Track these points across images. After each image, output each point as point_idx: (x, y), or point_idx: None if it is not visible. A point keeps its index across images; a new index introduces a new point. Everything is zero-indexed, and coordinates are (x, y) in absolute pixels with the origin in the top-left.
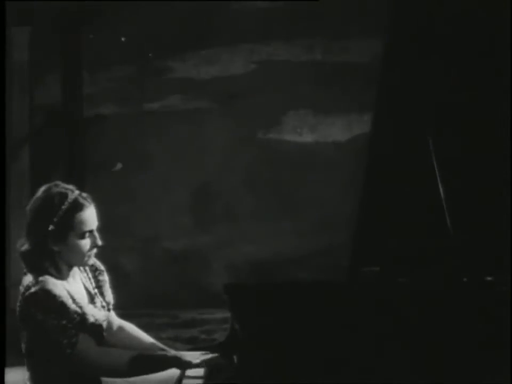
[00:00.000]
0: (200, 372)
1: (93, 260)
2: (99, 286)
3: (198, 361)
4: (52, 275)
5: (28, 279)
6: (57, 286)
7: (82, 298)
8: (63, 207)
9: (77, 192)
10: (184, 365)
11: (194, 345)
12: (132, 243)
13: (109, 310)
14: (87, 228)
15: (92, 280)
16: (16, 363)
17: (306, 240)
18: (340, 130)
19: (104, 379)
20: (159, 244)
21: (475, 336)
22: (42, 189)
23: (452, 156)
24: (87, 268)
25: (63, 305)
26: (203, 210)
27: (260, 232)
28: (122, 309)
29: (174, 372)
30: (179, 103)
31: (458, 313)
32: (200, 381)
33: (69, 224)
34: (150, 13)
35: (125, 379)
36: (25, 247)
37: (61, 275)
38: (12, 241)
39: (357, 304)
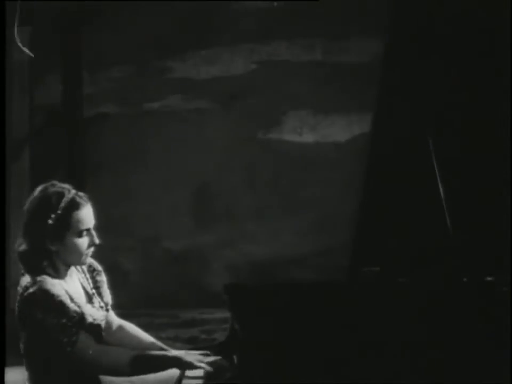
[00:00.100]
0: (200, 372)
1: (90, 260)
2: (97, 287)
3: (200, 364)
4: (49, 275)
5: (26, 279)
6: (56, 286)
7: (80, 298)
8: (60, 206)
9: (73, 191)
10: (184, 366)
11: (194, 345)
12: (132, 243)
13: (107, 310)
14: (84, 227)
15: (90, 281)
16: (16, 363)
17: (306, 240)
18: (340, 130)
19: (103, 378)
20: (159, 243)
21: (475, 336)
22: (39, 189)
23: (452, 155)
24: (84, 269)
25: (62, 304)
26: (203, 210)
27: (260, 232)
28: (122, 309)
29: (174, 372)
30: (179, 103)
31: (458, 313)
32: (200, 381)
33: (67, 223)
34: (150, 13)
35: (124, 378)
36: (23, 247)
37: (59, 275)
38: (12, 241)
39: (357, 304)
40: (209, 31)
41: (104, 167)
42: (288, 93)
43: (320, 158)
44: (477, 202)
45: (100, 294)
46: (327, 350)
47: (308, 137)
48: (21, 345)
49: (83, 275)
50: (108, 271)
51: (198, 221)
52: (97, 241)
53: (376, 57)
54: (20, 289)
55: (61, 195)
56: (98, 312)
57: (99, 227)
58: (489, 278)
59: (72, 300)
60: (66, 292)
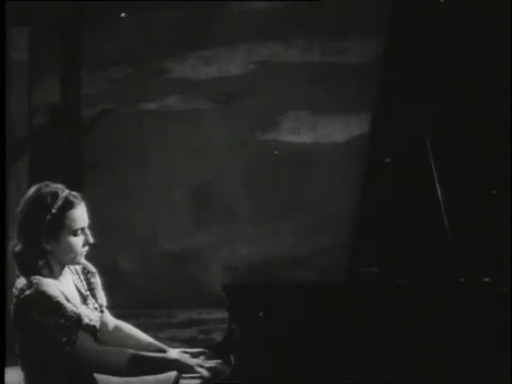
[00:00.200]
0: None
1: (84, 262)
2: (91, 288)
3: (200, 369)
4: (44, 275)
5: (21, 281)
6: (51, 287)
7: (75, 299)
8: (55, 206)
9: (67, 191)
10: (184, 369)
11: (192, 345)
12: (131, 243)
13: (101, 311)
14: (79, 226)
15: (84, 282)
16: (16, 363)
17: (305, 240)
18: (338, 130)
19: (99, 379)
20: (157, 244)
21: (475, 336)
22: (32, 189)
23: (452, 156)
24: (79, 270)
25: (59, 304)
26: (202, 211)
27: (259, 232)
28: (120, 309)
29: (171, 372)
30: (178, 103)
31: (457, 313)
32: (197, 381)
33: (61, 222)
34: (150, 13)
35: (122, 378)
36: (18, 247)
37: (53, 275)
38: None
39: (356, 304)
40: (208, 32)
41: (102, 167)
42: (287, 93)
43: (318, 158)
44: (476, 202)
45: (94, 296)
46: (326, 350)
47: (307, 138)
48: (16, 347)
49: (77, 276)
50: (106, 271)
51: (196, 221)
52: (91, 240)
53: (375, 57)
54: (15, 291)
55: (55, 195)
56: (93, 313)
57: (97, 227)
58: (486, 279)
59: (68, 300)
60: (62, 293)
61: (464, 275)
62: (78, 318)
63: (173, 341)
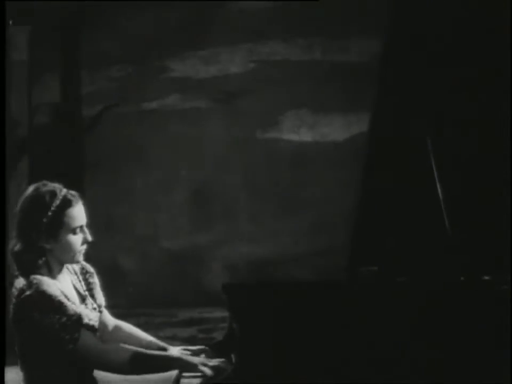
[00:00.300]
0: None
1: (83, 263)
2: (90, 289)
3: (203, 368)
4: (43, 275)
5: (21, 281)
6: (51, 286)
7: (74, 299)
8: (54, 204)
9: (64, 190)
10: (187, 368)
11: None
12: (131, 243)
13: (100, 312)
14: (78, 224)
15: (83, 283)
16: (16, 362)
17: (305, 239)
18: (338, 129)
19: (99, 378)
20: (157, 243)
21: (475, 336)
22: (31, 188)
23: (452, 156)
24: (77, 271)
25: (60, 303)
26: (202, 210)
27: (259, 232)
28: (121, 308)
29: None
30: (178, 102)
31: (457, 313)
32: (198, 380)
33: (60, 220)
34: (150, 12)
35: (122, 377)
36: (18, 247)
37: (52, 274)
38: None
39: (356, 304)
40: (208, 31)
41: (103, 167)
42: (287, 93)
43: (318, 157)
44: (477, 202)
45: (92, 296)
46: (326, 350)
47: (307, 137)
48: (16, 347)
49: (76, 277)
50: (107, 270)
51: (196, 220)
52: (90, 238)
53: (375, 56)
54: (14, 291)
55: (53, 193)
56: (92, 313)
57: (98, 227)
58: (486, 277)
59: (68, 299)
60: (62, 292)
61: (464, 274)
62: (79, 317)
63: (174, 340)
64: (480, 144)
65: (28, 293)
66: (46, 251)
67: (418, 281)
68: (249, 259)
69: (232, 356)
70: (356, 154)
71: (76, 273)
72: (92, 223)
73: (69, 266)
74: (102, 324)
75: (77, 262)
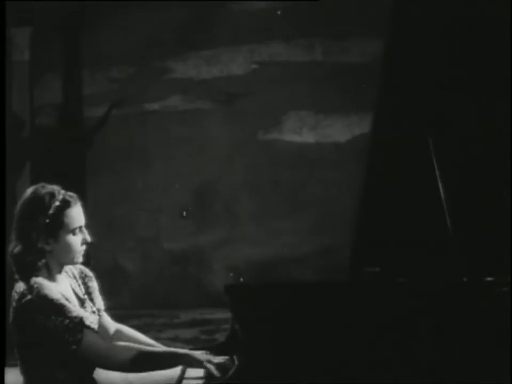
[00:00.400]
0: (200, 372)
1: (81, 267)
2: (89, 292)
3: (209, 365)
4: (42, 276)
5: (21, 285)
6: (52, 290)
7: (73, 302)
8: (53, 205)
9: (62, 191)
10: (194, 364)
11: (194, 345)
12: (132, 244)
13: (99, 315)
14: (77, 224)
15: (82, 287)
16: (16, 363)
17: (307, 240)
18: (340, 130)
19: (101, 379)
20: (159, 244)
21: (475, 336)
22: (29, 190)
23: (452, 156)
24: (76, 274)
25: (62, 306)
26: (203, 211)
27: (260, 233)
28: (123, 309)
29: (174, 372)
30: (179, 103)
31: (458, 313)
32: (200, 381)
33: (60, 221)
34: (151, 13)
35: (123, 378)
36: (18, 248)
37: (52, 276)
38: None
39: (357, 304)
40: (209, 32)
41: (104, 168)
42: (288, 93)
43: (320, 158)
44: (477, 202)
45: (91, 300)
46: (327, 350)
47: (308, 138)
48: (16, 350)
49: (75, 281)
50: (109, 271)
51: (198, 221)
52: (89, 239)
53: (376, 57)
54: (15, 295)
55: (52, 195)
56: (91, 316)
57: (100, 228)
58: (489, 278)
59: (69, 301)
60: (63, 295)
61: (466, 275)
62: (81, 318)
63: (176, 341)
64: (480, 144)
65: (29, 297)
66: (46, 252)
67: (419, 281)
68: (250, 259)
69: (235, 357)
70: (357, 155)
71: (74, 277)
72: (94, 224)
73: (68, 270)
74: (103, 327)
75: (77, 263)
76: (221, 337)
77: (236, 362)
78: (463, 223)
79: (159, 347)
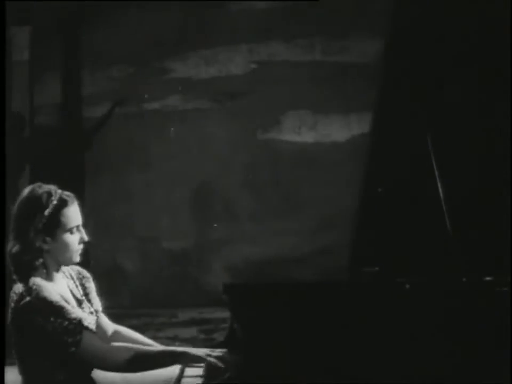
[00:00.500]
0: (199, 371)
1: (79, 268)
2: (86, 293)
3: (209, 358)
4: (40, 276)
5: (19, 286)
6: (51, 292)
7: (72, 302)
8: (50, 205)
9: (59, 190)
10: (194, 360)
11: (193, 344)
12: (132, 243)
13: (96, 316)
14: (74, 223)
15: (79, 288)
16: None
17: (306, 239)
18: (339, 130)
19: (100, 378)
20: (158, 243)
21: (475, 336)
22: (26, 190)
23: (452, 155)
24: (73, 275)
25: (61, 308)
26: (203, 210)
27: (259, 232)
28: (122, 309)
29: (173, 371)
30: (179, 103)
31: (458, 313)
32: (199, 380)
33: (57, 220)
34: (150, 13)
35: (123, 378)
36: (16, 248)
37: (49, 276)
38: None
39: (357, 304)
40: (209, 31)
41: (104, 167)
42: (288, 93)
43: (319, 157)
44: (477, 202)
45: (89, 301)
46: (326, 350)
47: (307, 137)
48: (14, 351)
49: (72, 281)
50: (108, 271)
51: (197, 221)
52: (86, 238)
53: (375, 57)
54: (13, 296)
55: (49, 194)
56: (89, 317)
57: (99, 227)
58: (488, 278)
59: (68, 303)
60: (62, 296)
61: (466, 275)
62: (80, 320)
63: (174, 341)
64: (480, 144)
65: (27, 299)
66: (43, 252)
67: (419, 281)
68: (249, 259)
69: (234, 356)
70: (356, 154)
71: (72, 278)
72: (93, 224)
73: (65, 271)
74: (101, 328)
75: (74, 262)
76: (219, 336)
77: (235, 361)
78: (463, 223)
79: (157, 347)
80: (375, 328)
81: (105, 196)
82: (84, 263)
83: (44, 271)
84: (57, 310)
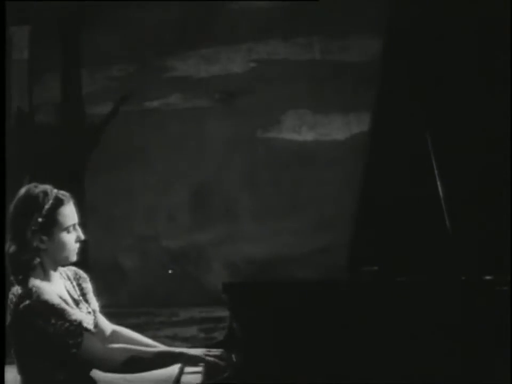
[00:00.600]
0: (198, 368)
1: (75, 268)
2: (83, 294)
3: (207, 357)
4: (38, 276)
5: (18, 288)
6: (51, 294)
7: (70, 302)
8: (46, 204)
9: (55, 190)
10: (192, 360)
11: (193, 343)
12: (132, 242)
13: (94, 316)
14: (70, 222)
15: (76, 288)
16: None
17: (305, 239)
18: (339, 129)
19: (98, 378)
20: (158, 242)
21: (475, 336)
22: (22, 190)
23: (452, 155)
24: (70, 276)
25: (62, 310)
26: (202, 209)
27: (259, 231)
28: (122, 308)
29: (172, 370)
30: (179, 101)
31: (457, 313)
32: (198, 376)
33: (54, 219)
34: (150, 12)
35: (123, 378)
36: (13, 248)
37: (47, 275)
38: None
39: (356, 303)
40: (209, 31)
41: (104, 166)
42: (287, 92)
43: (319, 156)
44: (477, 202)
45: (86, 301)
46: (326, 350)
47: (307, 136)
48: (13, 351)
49: (69, 282)
50: (108, 270)
51: (197, 220)
52: (83, 236)
53: (375, 56)
54: (12, 297)
55: (45, 193)
56: (87, 317)
57: (99, 226)
58: (487, 277)
59: (67, 303)
60: (61, 297)
61: (465, 274)
62: (80, 322)
63: (174, 340)
64: (481, 143)
65: (28, 302)
66: (41, 251)
67: (419, 281)
68: (249, 258)
69: (233, 355)
70: (356, 153)
71: (69, 279)
72: (93, 223)
73: (62, 272)
74: (99, 329)
75: (71, 261)
76: (219, 335)
77: (234, 361)
78: (463, 223)
79: (156, 346)
80: (374, 328)
81: (105, 195)
82: (82, 262)
83: (41, 270)
84: (58, 312)
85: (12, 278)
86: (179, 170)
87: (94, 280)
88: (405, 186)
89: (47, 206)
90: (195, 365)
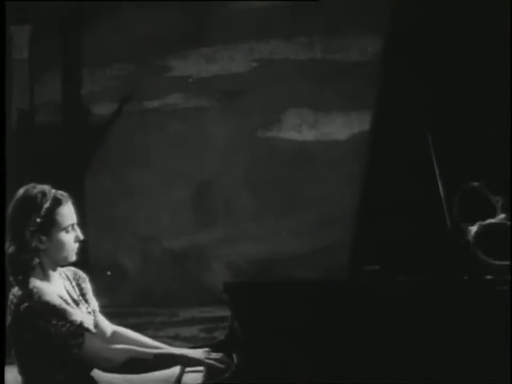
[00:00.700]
0: (200, 367)
1: (75, 269)
2: (83, 294)
3: (208, 360)
4: (37, 276)
5: (19, 290)
6: (52, 295)
7: (70, 302)
8: (45, 204)
9: (53, 190)
10: (193, 362)
11: (194, 343)
12: (132, 242)
13: (94, 316)
14: (69, 222)
15: (76, 288)
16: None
17: (307, 238)
18: (340, 128)
19: (99, 378)
20: (159, 242)
21: (475, 336)
22: (21, 191)
23: (452, 155)
24: (70, 276)
25: (64, 310)
26: (203, 209)
27: (260, 231)
28: (123, 307)
29: (173, 371)
30: (179, 101)
31: (458, 312)
32: (199, 375)
33: (52, 219)
34: (150, 11)
35: (123, 376)
36: (12, 248)
37: (46, 275)
38: None
39: (357, 303)
40: (209, 30)
41: (104, 166)
42: (288, 91)
43: (320, 156)
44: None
45: (86, 301)
46: (327, 350)
47: (308, 135)
48: (14, 352)
49: (68, 282)
50: (108, 270)
51: (198, 219)
52: (81, 236)
53: (376, 54)
54: (13, 298)
55: (44, 193)
56: (88, 317)
57: (99, 226)
58: (488, 277)
59: (67, 303)
60: (61, 297)
61: (466, 273)
62: (81, 322)
63: (175, 340)
64: (481, 143)
65: (29, 303)
66: (40, 251)
67: (420, 280)
68: (250, 258)
69: (234, 355)
70: (357, 153)
71: (68, 279)
72: (93, 223)
73: (61, 272)
74: (100, 330)
75: (70, 261)
76: (220, 335)
77: (235, 361)
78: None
79: (157, 347)
80: (375, 327)
81: (106, 194)
82: (82, 263)
83: (41, 271)
84: (59, 313)
85: (11, 278)
86: (180, 170)
87: (93, 280)
88: (405, 185)
89: (45, 206)
90: (195, 367)
